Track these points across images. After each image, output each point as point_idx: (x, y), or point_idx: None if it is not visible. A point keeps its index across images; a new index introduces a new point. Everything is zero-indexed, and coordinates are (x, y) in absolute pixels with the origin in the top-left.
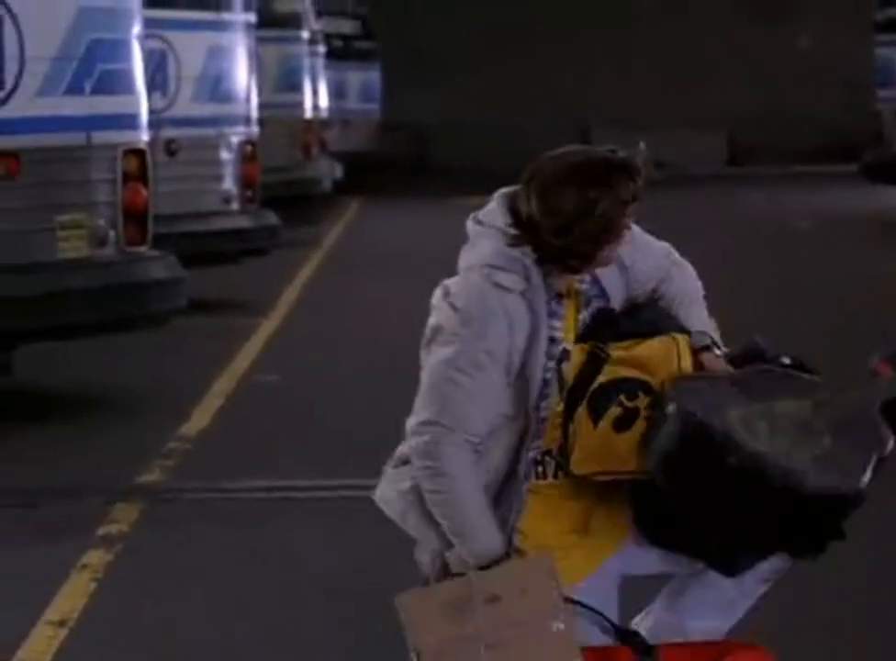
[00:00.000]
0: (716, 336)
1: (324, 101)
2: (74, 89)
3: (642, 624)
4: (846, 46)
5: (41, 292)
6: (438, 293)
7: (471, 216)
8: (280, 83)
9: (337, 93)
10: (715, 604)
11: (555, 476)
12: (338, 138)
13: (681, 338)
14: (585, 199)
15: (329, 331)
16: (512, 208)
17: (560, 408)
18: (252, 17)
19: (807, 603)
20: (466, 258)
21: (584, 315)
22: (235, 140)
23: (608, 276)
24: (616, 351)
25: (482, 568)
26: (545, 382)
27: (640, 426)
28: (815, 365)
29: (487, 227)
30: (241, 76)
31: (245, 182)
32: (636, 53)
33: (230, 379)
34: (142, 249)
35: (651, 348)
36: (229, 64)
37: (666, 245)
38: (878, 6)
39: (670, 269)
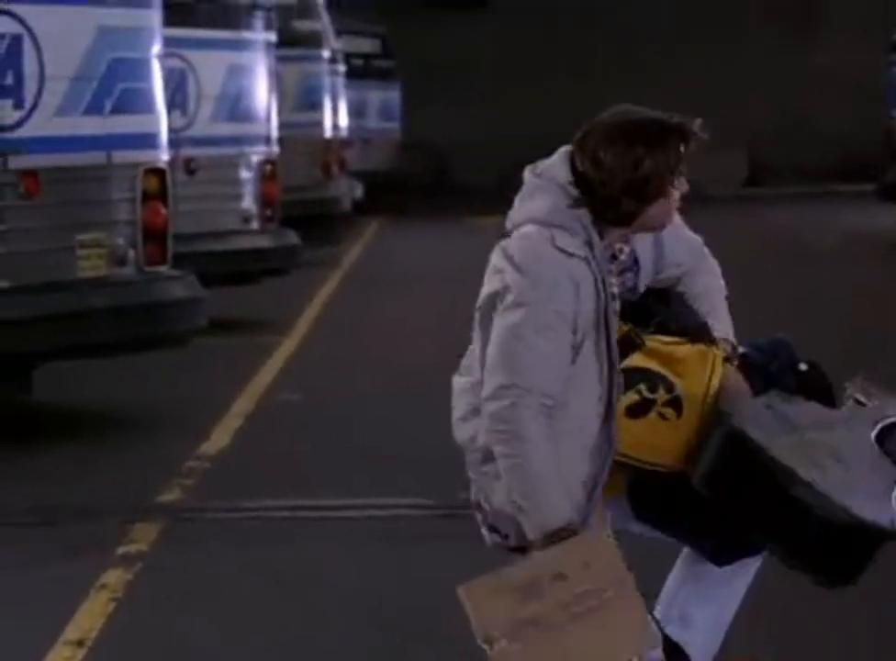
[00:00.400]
0: (731, 333)
1: (344, 120)
2: (94, 108)
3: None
4: (867, 64)
5: (61, 311)
6: (497, 254)
7: (528, 167)
8: (300, 102)
9: (357, 112)
10: (710, 591)
11: None
12: (358, 157)
13: (719, 353)
14: (632, 155)
15: (348, 351)
16: (573, 166)
17: None
18: (273, 37)
19: (804, 620)
20: (521, 211)
21: (618, 282)
22: (255, 159)
23: (642, 249)
24: (652, 342)
25: (546, 538)
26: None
27: (652, 418)
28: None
29: (546, 180)
30: (261, 95)
31: (265, 201)
32: (653, 73)
33: (250, 398)
34: (162, 268)
35: (688, 352)
36: (249, 83)
37: (699, 238)
38: None
39: (700, 260)
